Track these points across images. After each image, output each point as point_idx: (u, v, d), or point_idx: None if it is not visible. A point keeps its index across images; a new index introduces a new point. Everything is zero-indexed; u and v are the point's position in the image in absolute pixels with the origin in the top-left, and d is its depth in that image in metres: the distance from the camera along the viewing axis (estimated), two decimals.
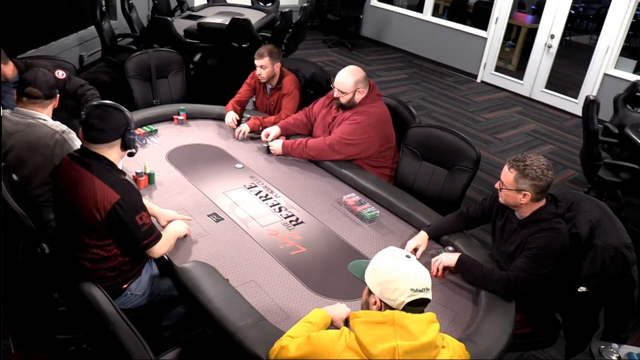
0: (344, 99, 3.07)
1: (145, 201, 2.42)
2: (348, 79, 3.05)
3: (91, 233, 1.99)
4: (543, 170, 2.05)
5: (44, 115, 2.55)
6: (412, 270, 1.45)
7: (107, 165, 2.02)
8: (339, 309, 1.81)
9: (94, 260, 2.03)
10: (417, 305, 1.43)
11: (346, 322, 1.79)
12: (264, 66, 3.45)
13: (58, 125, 2.54)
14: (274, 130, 3.24)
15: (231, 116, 3.42)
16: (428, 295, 1.45)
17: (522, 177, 2.06)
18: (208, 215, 2.53)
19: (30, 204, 2.43)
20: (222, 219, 2.53)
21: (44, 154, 2.49)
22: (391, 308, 1.44)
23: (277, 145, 3.13)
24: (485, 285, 2.14)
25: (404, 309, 1.42)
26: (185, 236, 2.35)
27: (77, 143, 2.51)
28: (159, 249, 2.11)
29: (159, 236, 2.10)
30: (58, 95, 2.67)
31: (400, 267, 1.45)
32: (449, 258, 2.24)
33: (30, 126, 2.49)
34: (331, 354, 1.40)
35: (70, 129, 2.57)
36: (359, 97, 3.08)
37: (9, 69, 3.12)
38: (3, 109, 2.60)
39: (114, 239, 2.03)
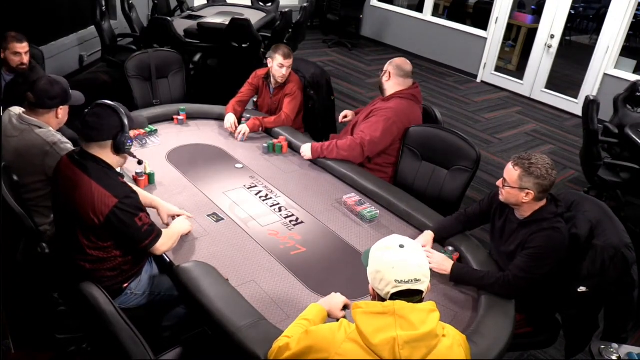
0: (381, 78, 3.20)
1: (147, 193, 2.44)
2: (389, 61, 3.19)
3: (89, 235, 1.99)
4: (548, 169, 2.05)
5: (40, 123, 2.46)
6: (399, 261, 1.43)
7: (104, 168, 2.01)
8: (334, 300, 1.80)
9: (93, 261, 2.04)
10: (405, 296, 1.41)
11: (345, 309, 1.79)
12: (290, 65, 3.49)
13: (50, 136, 2.44)
14: None
15: (230, 122, 3.41)
16: (418, 286, 1.42)
17: (527, 175, 2.06)
18: (208, 215, 2.54)
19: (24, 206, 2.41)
20: (222, 218, 2.53)
21: (33, 163, 2.42)
22: (381, 297, 1.45)
23: (307, 150, 3.12)
24: (484, 289, 2.14)
25: (392, 299, 1.42)
26: (187, 234, 2.35)
27: None
28: (161, 246, 2.11)
29: (159, 234, 2.10)
30: (62, 107, 2.53)
31: (387, 258, 1.45)
32: (441, 265, 2.22)
33: (24, 133, 2.43)
34: (332, 346, 1.40)
35: (63, 140, 2.49)
36: (386, 81, 3.13)
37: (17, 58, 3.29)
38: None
39: (112, 241, 2.03)
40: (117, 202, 1.94)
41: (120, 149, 2.02)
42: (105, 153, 2.02)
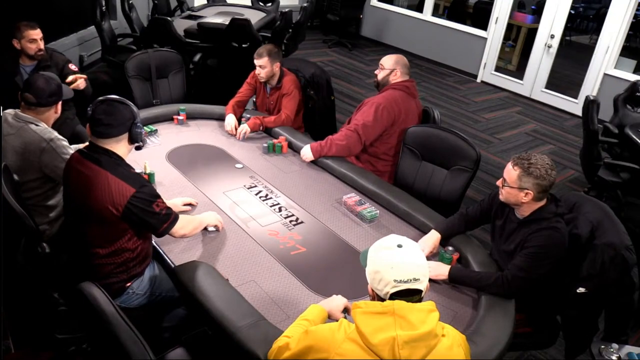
0: (380, 75, 3.22)
1: None
2: (391, 58, 3.23)
3: (105, 228, 2.01)
4: (547, 169, 2.06)
5: (37, 120, 2.49)
6: (397, 261, 1.43)
7: (116, 160, 2.03)
8: (334, 302, 1.81)
9: (105, 255, 2.05)
10: (404, 296, 1.42)
11: (345, 312, 1.79)
12: (263, 66, 3.45)
13: (46, 133, 2.47)
14: None
15: (231, 125, 3.41)
16: (417, 285, 1.42)
17: (526, 176, 2.06)
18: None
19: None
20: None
21: (30, 160, 2.44)
22: (380, 297, 1.45)
23: (307, 152, 3.11)
24: (483, 289, 2.14)
25: (391, 299, 1.42)
26: (216, 227, 2.41)
27: (69, 150, 2.48)
28: (180, 229, 2.15)
29: (176, 217, 2.12)
30: (58, 102, 2.60)
31: (386, 258, 1.45)
32: (436, 271, 2.22)
33: (20, 131, 2.45)
34: (332, 345, 1.40)
35: (60, 137, 2.51)
36: (393, 79, 3.18)
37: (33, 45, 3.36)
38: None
39: (129, 232, 2.05)
40: (135, 192, 1.96)
41: (136, 139, 2.07)
42: (119, 146, 2.05)
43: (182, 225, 2.15)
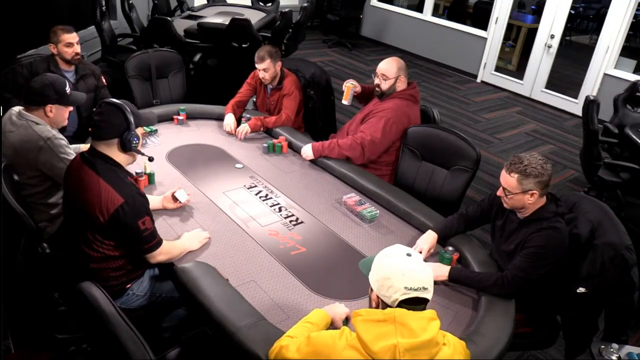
0: (385, 85, 3.11)
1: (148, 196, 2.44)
2: (392, 65, 3.11)
3: (95, 233, 2.00)
4: (542, 165, 2.07)
5: (38, 119, 2.47)
6: (408, 268, 1.44)
7: (112, 167, 2.02)
8: (337, 309, 1.82)
9: (100, 259, 2.05)
10: (412, 304, 1.42)
11: (346, 322, 1.80)
12: (267, 69, 3.45)
13: (44, 132, 2.45)
14: None
15: (230, 125, 3.41)
16: (425, 294, 1.43)
17: (525, 178, 2.06)
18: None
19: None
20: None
21: (27, 158, 2.43)
22: (387, 305, 1.45)
23: (308, 150, 3.11)
24: (483, 290, 2.14)
25: (399, 306, 1.42)
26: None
27: (67, 149, 2.47)
28: (158, 255, 2.11)
29: (159, 243, 2.10)
30: (51, 106, 2.49)
31: (396, 265, 1.45)
32: (436, 271, 2.20)
33: (21, 129, 2.45)
34: (333, 353, 1.40)
35: (58, 136, 2.49)
36: (400, 86, 3.12)
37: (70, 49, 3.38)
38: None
39: (116, 241, 2.04)
40: (123, 202, 1.95)
41: (126, 147, 2.04)
42: (112, 151, 2.04)
43: (162, 252, 2.11)
